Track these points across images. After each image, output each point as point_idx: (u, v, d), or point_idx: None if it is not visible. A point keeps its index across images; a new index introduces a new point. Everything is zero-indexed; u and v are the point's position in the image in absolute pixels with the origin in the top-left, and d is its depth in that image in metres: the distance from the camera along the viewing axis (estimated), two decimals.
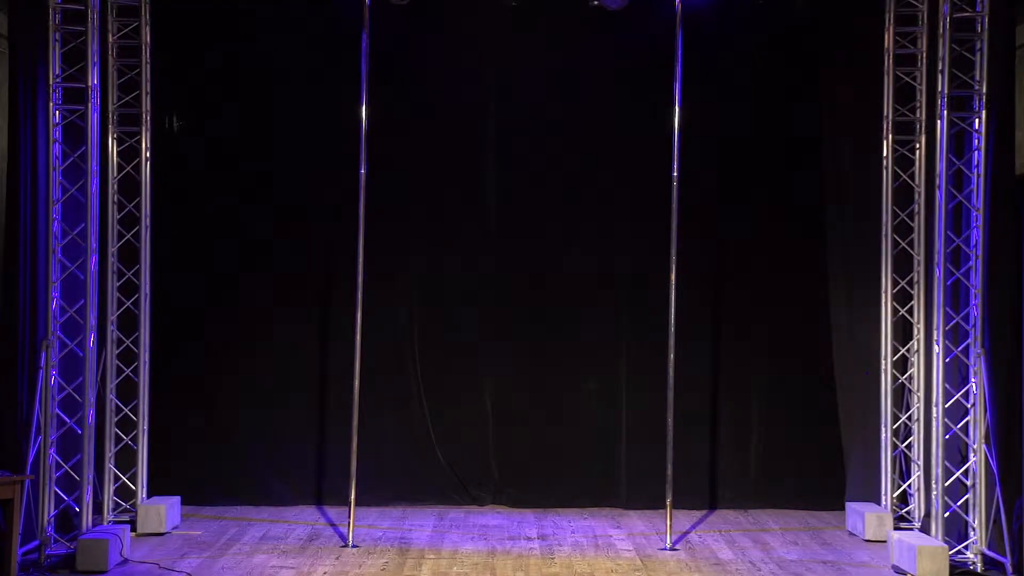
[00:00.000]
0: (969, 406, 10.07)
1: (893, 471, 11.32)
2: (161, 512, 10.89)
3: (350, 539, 10.61)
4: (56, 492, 10.05)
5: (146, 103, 11.13)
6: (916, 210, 11.25)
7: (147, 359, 11.21)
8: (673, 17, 10.73)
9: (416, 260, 12.38)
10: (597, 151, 12.29)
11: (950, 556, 9.71)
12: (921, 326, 11.18)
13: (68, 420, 10.11)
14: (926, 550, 9.61)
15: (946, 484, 10.02)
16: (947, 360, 10.11)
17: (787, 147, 12.29)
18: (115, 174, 11.10)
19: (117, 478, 11.15)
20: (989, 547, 9.87)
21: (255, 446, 12.18)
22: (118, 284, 11.12)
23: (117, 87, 11.05)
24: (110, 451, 11.07)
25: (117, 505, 11.17)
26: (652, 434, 11.54)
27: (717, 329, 12.35)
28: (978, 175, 10.05)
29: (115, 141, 11.11)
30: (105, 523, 10.82)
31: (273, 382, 12.19)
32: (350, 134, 10.97)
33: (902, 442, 11.35)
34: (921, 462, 11.08)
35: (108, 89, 10.90)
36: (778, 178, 12.30)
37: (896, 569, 9.92)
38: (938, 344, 10.10)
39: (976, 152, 10.10)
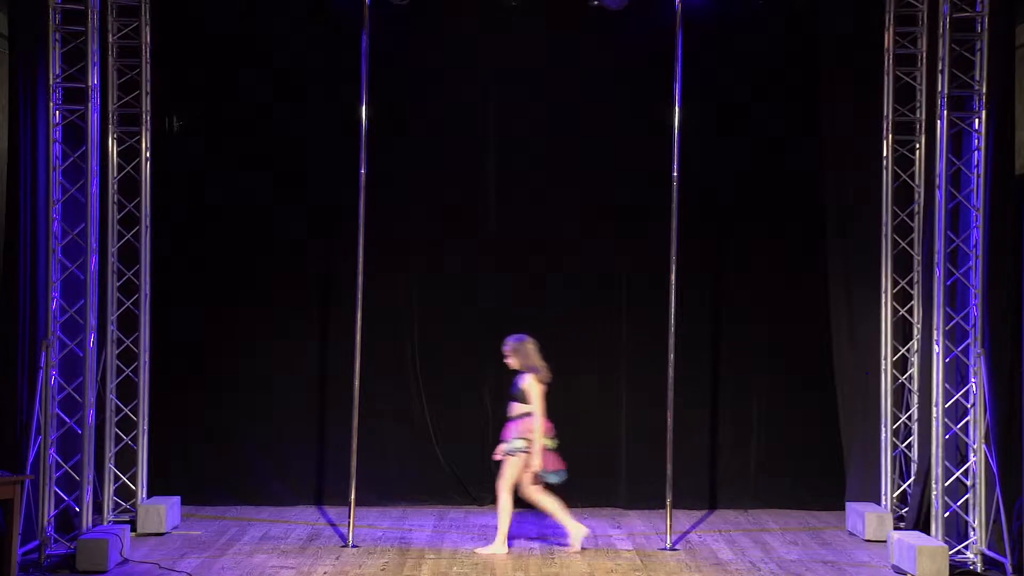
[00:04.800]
0: (969, 406, 10.06)
1: (893, 471, 11.31)
2: (161, 512, 10.89)
3: (350, 539, 10.60)
4: (56, 492, 10.04)
5: (146, 103, 11.12)
6: (916, 210, 11.26)
7: (147, 359, 11.20)
8: (673, 17, 10.73)
9: (416, 260, 12.38)
10: (597, 151, 12.28)
11: (950, 556, 9.70)
12: (921, 326, 11.17)
13: (68, 420, 10.10)
14: (926, 550, 9.60)
15: (946, 484, 10.02)
16: (947, 360, 10.10)
17: (787, 147, 12.29)
18: (115, 174, 11.10)
19: (117, 478, 11.15)
20: (989, 547, 9.87)
21: (255, 446, 12.18)
22: (118, 284, 11.11)
23: (117, 87, 11.04)
24: (110, 451, 11.07)
25: (117, 505, 11.17)
26: (652, 434, 11.53)
27: (717, 329, 12.36)
28: (978, 175, 10.05)
29: (115, 141, 11.10)
30: (105, 523, 10.82)
31: (273, 382, 12.19)
32: (350, 134, 10.98)
33: (902, 442, 11.36)
34: None
35: (108, 89, 10.90)
36: (778, 178, 12.30)
37: (896, 569, 9.92)
38: (938, 344, 10.10)
39: (976, 152, 10.09)
